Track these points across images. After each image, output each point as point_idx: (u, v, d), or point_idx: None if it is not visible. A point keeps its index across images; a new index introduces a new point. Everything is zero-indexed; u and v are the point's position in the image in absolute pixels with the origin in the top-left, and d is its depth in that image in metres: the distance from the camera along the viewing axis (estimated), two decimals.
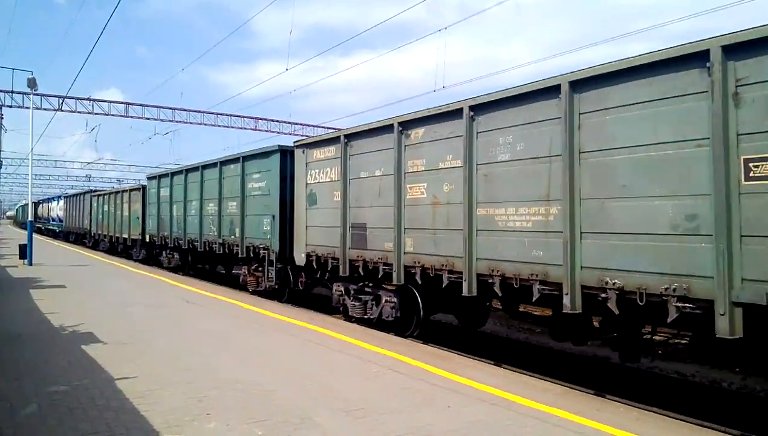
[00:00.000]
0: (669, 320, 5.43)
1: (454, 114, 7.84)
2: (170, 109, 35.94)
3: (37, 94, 27.25)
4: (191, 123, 36.95)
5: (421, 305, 9.32)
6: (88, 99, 33.24)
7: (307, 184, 11.40)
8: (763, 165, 4.80)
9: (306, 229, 11.40)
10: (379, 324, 9.86)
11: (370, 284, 10.18)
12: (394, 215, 8.85)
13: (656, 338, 7.07)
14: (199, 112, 37.13)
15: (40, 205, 55.98)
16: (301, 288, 12.46)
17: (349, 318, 10.78)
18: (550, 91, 6.54)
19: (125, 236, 24.68)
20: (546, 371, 7.75)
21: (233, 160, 14.81)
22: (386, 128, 9.17)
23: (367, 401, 5.43)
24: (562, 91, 6.34)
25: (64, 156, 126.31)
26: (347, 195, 10.11)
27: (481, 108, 7.44)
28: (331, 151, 10.69)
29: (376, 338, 8.80)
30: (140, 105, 35.07)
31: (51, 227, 48.41)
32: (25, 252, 20.42)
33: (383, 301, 9.74)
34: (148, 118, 35.43)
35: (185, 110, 36.55)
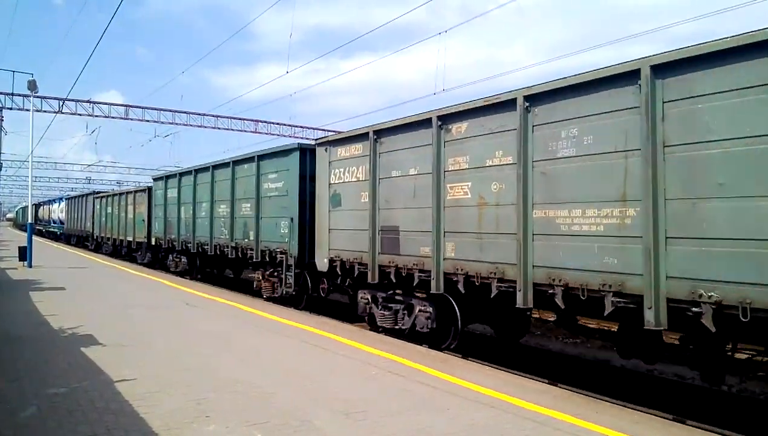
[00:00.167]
0: None
1: (504, 105, 7.08)
2: (170, 111, 35.89)
3: (38, 97, 27.21)
4: (191, 125, 36.97)
5: (459, 316, 8.55)
6: (89, 101, 33.29)
7: (330, 184, 10.64)
8: None
9: (329, 232, 10.63)
10: (411, 335, 9.08)
11: (400, 292, 9.42)
12: (432, 218, 8.08)
13: (738, 355, 6.29)
14: (199, 114, 37.09)
15: (41, 207, 55.26)
16: (323, 295, 11.66)
17: (375, 328, 10.01)
18: (625, 78, 5.78)
19: (130, 238, 23.90)
20: (619, 395, 6.98)
21: (247, 160, 14.04)
22: (422, 123, 8.40)
23: (367, 403, 5.44)
24: (642, 76, 5.58)
25: (64, 158, 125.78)
26: (376, 196, 9.34)
27: (538, 98, 6.68)
28: (357, 148, 9.92)
29: (376, 340, 8.79)
30: (140, 107, 35.04)
31: (52, 230, 47.62)
32: (24, 254, 20.26)
33: (416, 310, 8.96)
34: (148, 121, 35.58)
35: (185, 112, 36.55)
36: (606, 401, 6.39)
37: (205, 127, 37.32)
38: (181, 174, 18.35)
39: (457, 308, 8.53)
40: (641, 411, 5.97)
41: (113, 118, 34.14)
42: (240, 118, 38.50)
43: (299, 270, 12.03)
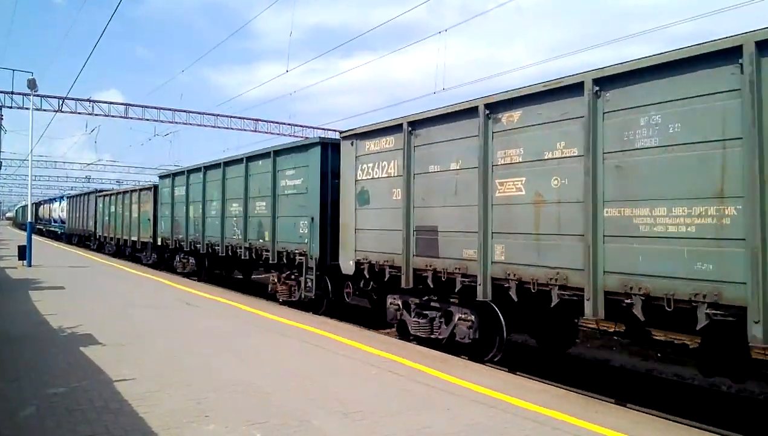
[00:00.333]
0: None
1: (569, 90, 6.30)
2: (170, 110, 35.61)
3: (37, 95, 27.09)
4: (191, 124, 36.63)
5: (504, 325, 7.78)
6: (88, 100, 33.09)
7: (356, 180, 9.86)
8: None
9: (355, 232, 9.85)
10: (449, 346, 8.31)
11: (435, 298, 8.64)
12: (477, 217, 7.31)
13: None
14: (198, 113, 36.88)
15: (42, 205, 54.49)
16: (347, 300, 10.87)
17: (405, 336, 9.25)
18: (723, 56, 5.01)
19: (134, 238, 23.11)
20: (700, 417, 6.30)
21: (262, 156, 13.27)
22: (466, 112, 7.63)
23: (366, 403, 5.42)
24: (745, 54, 4.81)
25: (64, 157, 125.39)
26: (411, 193, 8.57)
27: (610, 81, 5.90)
28: (389, 141, 9.15)
29: (376, 340, 8.72)
30: (140, 106, 34.85)
31: (53, 229, 46.81)
32: (24, 253, 20.12)
33: (456, 318, 8.18)
34: (147, 120, 35.42)
35: (185, 111, 36.32)
36: (606, 401, 6.33)
37: (205, 126, 37.23)
38: (190, 171, 17.56)
39: (501, 317, 7.76)
40: (642, 411, 5.92)
41: (113, 117, 33.92)
42: (240, 117, 38.32)
43: (319, 273, 11.26)
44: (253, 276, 19.54)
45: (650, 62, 5.53)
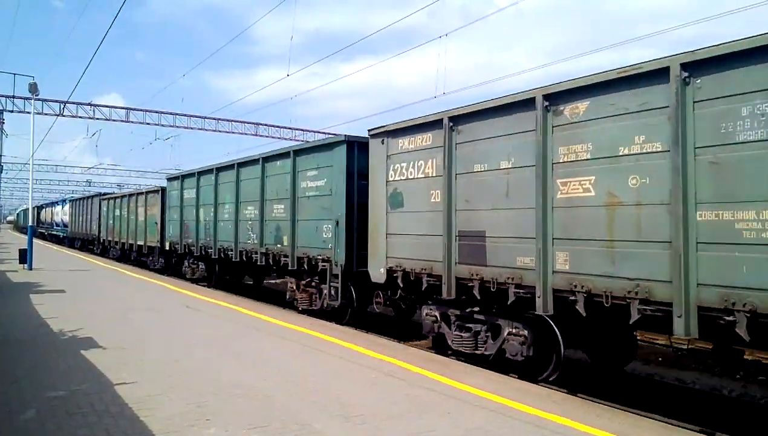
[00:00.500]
0: None
1: (650, 78, 5.56)
2: (171, 114, 35.57)
3: (39, 99, 26.86)
4: (192, 128, 36.73)
5: (561, 341, 7.02)
6: (90, 104, 33.14)
7: (388, 181, 9.11)
8: None
9: (386, 237, 9.10)
10: (497, 362, 7.55)
11: (477, 309, 7.89)
12: (535, 221, 6.56)
13: None
14: (199, 117, 36.87)
15: (43, 209, 53.89)
16: (377, 310, 10.09)
17: (442, 350, 8.51)
18: None
19: (140, 242, 22.35)
20: None
21: (280, 156, 12.52)
22: (520, 105, 6.89)
23: (367, 407, 5.41)
24: None
25: (65, 161, 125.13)
26: (452, 195, 7.82)
27: (702, 66, 5.15)
28: (426, 138, 8.40)
29: (376, 344, 8.69)
30: (141, 110, 34.87)
31: (55, 233, 46.10)
32: (25, 257, 20.11)
33: (505, 333, 7.42)
34: (148, 124, 35.34)
35: (186, 115, 36.31)
36: (607, 405, 6.23)
37: (206, 130, 37.41)
38: (200, 173, 16.80)
39: (558, 332, 7.00)
40: (642, 415, 5.88)
41: (114, 121, 34.09)
42: (241, 121, 38.36)
43: (344, 280, 10.50)
44: (264, 282, 18.86)
45: (756, 43, 4.78)
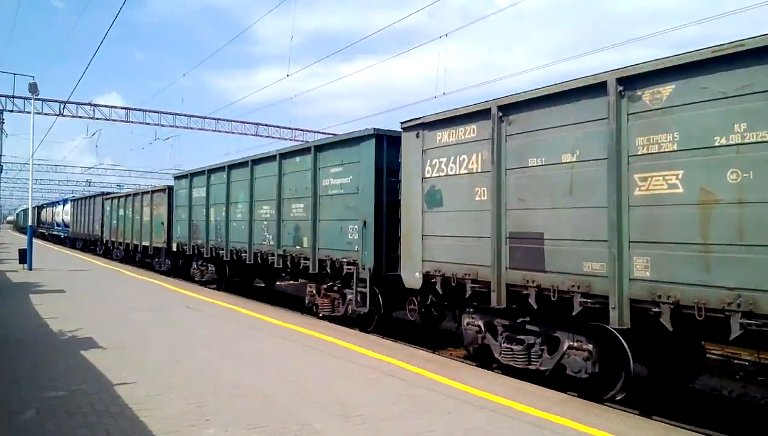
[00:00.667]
0: None
1: (752, 56, 4.79)
2: (171, 114, 35.34)
3: (39, 99, 26.72)
4: (192, 128, 36.46)
5: (630, 355, 6.25)
6: (89, 104, 32.87)
7: (424, 178, 8.35)
8: None
9: (422, 239, 8.34)
10: (553, 379, 6.79)
11: (528, 319, 7.13)
12: (607, 221, 5.79)
13: None
14: (199, 117, 36.65)
15: (44, 209, 53.19)
16: (411, 318, 9.31)
17: (484, 362, 7.77)
18: None
19: (145, 243, 21.56)
20: None
21: (300, 152, 11.75)
22: (587, 90, 6.12)
23: (367, 407, 5.39)
24: None
25: (65, 161, 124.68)
26: (502, 192, 7.06)
27: None
28: (469, 130, 7.64)
29: (374, 343, 8.69)
30: (141, 110, 34.60)
31: (56, 233, 45.33)
32: (25, 257, 20.01)
33: (564, 347, 6.65)
34: (148, 124, 35.08)
35: (186, 115, 36.10)
36: (607, 405, 6.11)
37: (206, 130, 37.19)
38: (210, 171, 16.03)
39: (627, 346, 6.24)
40: (642, 416, 5.86)
41: (114, 121, 33.81)
42: (240, 121, 38.16)
43: (372, 285, 9.73)
44: (277, 284, 18.13)
45: None
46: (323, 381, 6.30)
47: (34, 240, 22.08)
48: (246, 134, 38.78)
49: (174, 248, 18.77)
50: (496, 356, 7.47)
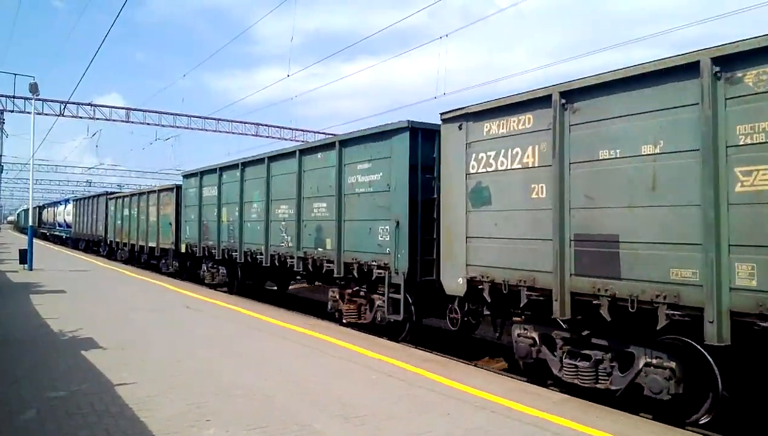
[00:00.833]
0: None
1: None
2: (171, 114, 35.22)
3: (39, 99, 26.51)
4: (192, 129, 36.35)
5: (718, 374, 5.49)
6: (90, 104, 32.70)
7: (468, 174, 7.59)
8: None
9: (466, 241, 7.58)
10: (625, 398, 6.03)
11: (589, 332, 6.37)
12: (703, 222, 5.03)
13: None
14: (200, 117, 36.54)
15: (45, 209, 52.51)
16: (453, 328, 8.50)
17: (537, 378, 7.02)
18: None
19: (152, 244, 20.80)
20: None
21: (322, 147, 10.98)
22: (673, 72, 5.36)
23: (367, 407, 5.37)
24: None
25: (65, 161, 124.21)
26: (565, 189, 6.29)
27: None
28: (525, 120, 6.88)
29: (375, 343, 8.66)
30: (141, 110, 34.46)
31: (57, 233, 44.61)
32: (25, 257, 19.92)
33: (640, 364, 5.88)
34: (149, 124, 34.91)
35: (186, 116, 36.00)
36: (607, 407, 5.93)
37: (206, 130, 37.11)
38: (222, 168, 15.27)
39: (714, 364, 5.48)
40: (642, 417, 5.79)
41: (114, 121, 33.68)
42: (241, 122, 38.05)
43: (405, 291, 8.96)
44: (291, 287, 17.38)
45: None
46: (324, 381, 6.30)
47: (36, 241, 22.14)
48: (246, 134, 38.83)
49: (183, 250, 18.01)
50: (556, 372, 6.70)
